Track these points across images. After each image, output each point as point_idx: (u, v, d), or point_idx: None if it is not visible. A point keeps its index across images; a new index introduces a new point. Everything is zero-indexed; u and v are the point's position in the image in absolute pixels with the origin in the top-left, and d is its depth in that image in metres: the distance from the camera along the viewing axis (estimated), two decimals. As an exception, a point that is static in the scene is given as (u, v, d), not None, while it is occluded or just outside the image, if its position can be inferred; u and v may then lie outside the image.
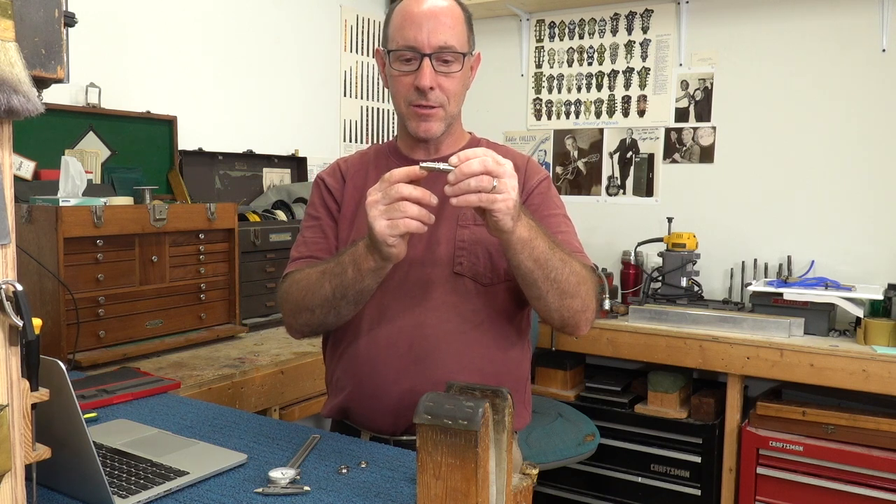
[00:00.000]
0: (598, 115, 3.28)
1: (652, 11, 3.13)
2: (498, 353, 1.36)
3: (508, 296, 1.35)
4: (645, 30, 3.15)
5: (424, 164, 1.09)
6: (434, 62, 1.29)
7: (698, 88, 3.05)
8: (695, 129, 3.06)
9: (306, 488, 1.04)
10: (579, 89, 3.31)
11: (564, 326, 1.29)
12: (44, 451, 0.81)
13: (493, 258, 1.33)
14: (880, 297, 2.42)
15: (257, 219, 2.47)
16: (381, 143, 1.61)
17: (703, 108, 3.04)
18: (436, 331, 1.31)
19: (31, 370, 0.77)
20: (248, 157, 2.77)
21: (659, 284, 2.83)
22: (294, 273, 1.36)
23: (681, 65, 3.08)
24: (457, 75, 1.32)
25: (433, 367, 1.30)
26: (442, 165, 1.07)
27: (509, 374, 1.37)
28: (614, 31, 3.22)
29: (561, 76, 3.35)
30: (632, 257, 3.02)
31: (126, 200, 2.03)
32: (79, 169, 1.90)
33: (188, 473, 1.08)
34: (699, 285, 2.85)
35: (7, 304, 0.71)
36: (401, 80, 1.32)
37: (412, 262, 1.33)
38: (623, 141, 3.23)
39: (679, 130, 3.10)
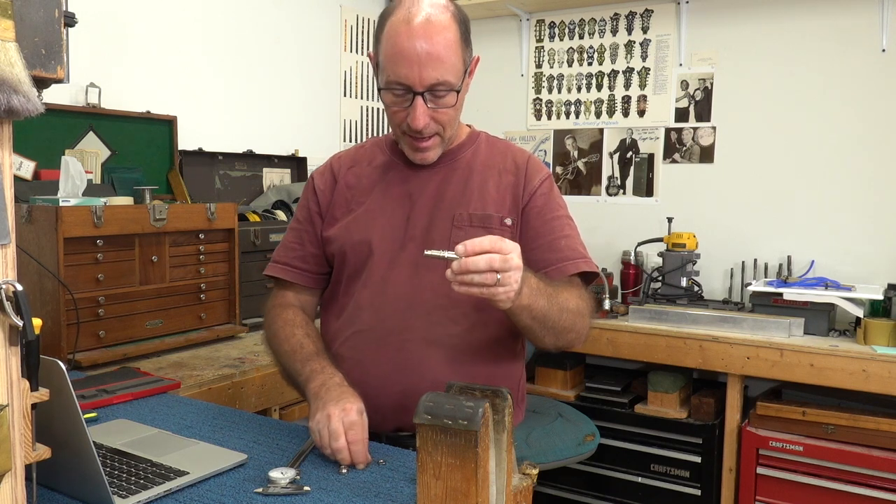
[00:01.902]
0: (598, 115, 3.28)
1: (652, 11, 3.13)
2: (491, 357, 1.35)
3: None
4: (645, 30, 3.15)
5: (429, 253, 1.08)
6: (427, 96, 1.26)
7: (698, 88, 3.05)
8: (695, 129, 3.06)
9: (306, 488, 1.04)
10: (579, 89, 3.31)
11: (556, 350, 1.33)
12: (44, 451, 0.80)
13: None
14: (880, 297, 2.42)
15: (257, 219, 2.47)
16: (379, 135, 1.61)
17: (703, 108, 3.04)
18: (427, 334, 1.31)
19: (31, 370, 0.77)
20: (248, 157, 2.77)
21: (659, 284, 2.83)
22: (274, 320, 1.42)
23: (681, 65, 3.08)
24: (450, 109, 1.28)
25: (423, 370, 1.30)
26: (447, 254, 1.06)
27: (502, 378, 1.37)
28: (614, 31, 3.22)
29: (561, 76, 3.35)
30: (632, 257, 3.02)
31: (126, 200, 2.03)
32: (79, 169, 1.90)
33: (188, 473, 1.08)
34: (699, 285, 2.85)
35: (7, 304, 0.71)
36: (394, 111, 1.30)
37: (405, 264, 1.33)
38: (623, 141, 3.23)
39: (679, 130, 3.10)
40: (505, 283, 1.06)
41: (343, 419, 1.14)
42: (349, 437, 1.13)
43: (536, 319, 1.20)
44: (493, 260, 1.04)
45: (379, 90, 1.32)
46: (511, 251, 1.07)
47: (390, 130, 1.40)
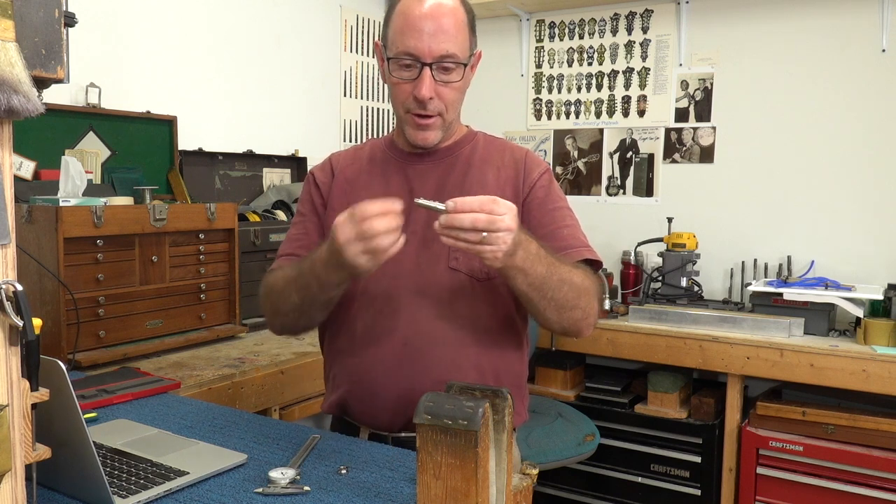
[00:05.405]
0: (598, 115, 3.28)
1: (652, 11, 3.13)
2: (495, 349, 1.35)
3: (505, 290, 1.35)
4: (645, 30, 3.15)
5: (420, 201, 1.09)
6: (434, 71, 1.28)
7: (698, 88, 3.05)
8: (695, 129, 3.06)
9: (306, 488, 1.04)
10: (579, 89, 3.31)
11: (566, 333, 1.31)
12: (44, 451, 0.80)
13: None
14: (880, 297, 2.42)
15: (257, 219, 2.47)
16: (377, 137, 1.61)
17: (703, 108, 3.04)
18: (432, 328, 1.30)
19: (31, 370, 0.77)
20: (248, 157, 2.77)
21: (659, 284, 2.83)
22: (271, 274, 1.37)
23: (681, 65, 3.08)
24: (456, 84, 1.31)
25: (430, 364, 1.29)
26: (437, 205, 1.07)
27: (507, 371, 1.37)
28: (614, 32, 3.22)
29: (561, 76, 3.35)
30: (632, 257, 3.02)
31: (126, 200, 2.03)
32: (79, 169, 1.90)
33: (188, 473, 1.08)
34: (699, 285, 2.86)
35: (7, 304, 0.71)
36: (400, 86, 1.30)
37: (407, 258, 1.33)
38: (623, 141, 3.23)
39: (679, 130, 3.10)
40: (491, 243, 1.07)
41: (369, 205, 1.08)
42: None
43: (534, 287, 1.19)
44: (477, 220, 1.05)
45: (385, 67, 1.33)
46: (504, 213, 1.07)
47: (389, 131, 1.40)
